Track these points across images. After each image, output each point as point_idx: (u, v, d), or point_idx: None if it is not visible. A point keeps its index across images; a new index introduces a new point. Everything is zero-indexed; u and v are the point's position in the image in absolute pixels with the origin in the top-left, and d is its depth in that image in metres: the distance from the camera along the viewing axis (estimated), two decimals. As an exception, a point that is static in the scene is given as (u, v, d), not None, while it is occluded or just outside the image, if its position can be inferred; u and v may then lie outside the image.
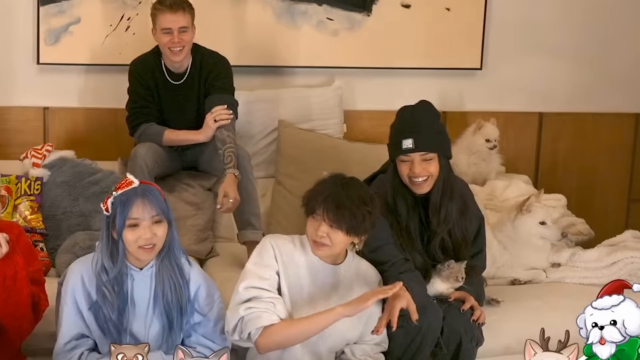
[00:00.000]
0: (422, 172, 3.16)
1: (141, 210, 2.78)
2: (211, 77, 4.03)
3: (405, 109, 3.26)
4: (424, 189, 3.20)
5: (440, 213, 3.23)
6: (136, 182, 2.81)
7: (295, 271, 2.96)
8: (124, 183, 2.81)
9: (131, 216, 2.77)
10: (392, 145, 3.23)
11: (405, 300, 2.93)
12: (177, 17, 3.88)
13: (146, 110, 3.99)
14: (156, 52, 4.03)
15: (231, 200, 3.75)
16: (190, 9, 3.94)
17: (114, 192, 2.80)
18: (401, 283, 2.89)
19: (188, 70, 4.03)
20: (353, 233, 2.91)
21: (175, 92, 4.03)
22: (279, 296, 2.91)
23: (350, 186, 2.92)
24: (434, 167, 3.18)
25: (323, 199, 2.87)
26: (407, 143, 3.14)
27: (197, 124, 4.03)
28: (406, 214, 3.23)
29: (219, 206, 3.78)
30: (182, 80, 4.03)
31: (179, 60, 3.98)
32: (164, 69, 4.02)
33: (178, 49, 3.92)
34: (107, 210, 2.80)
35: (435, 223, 3.24)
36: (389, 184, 3.24)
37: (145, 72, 4.01)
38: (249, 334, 2.84)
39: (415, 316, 2.95)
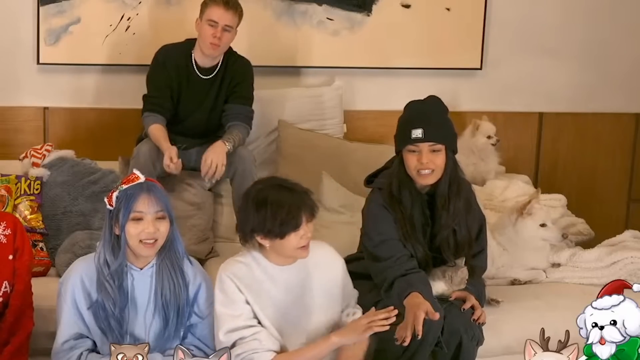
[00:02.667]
0: (429, 163, 3.18)
1: (146, 204, 2.80)
2: (234, 82, 4.05)
3: (414, 102, 3.31)
4: (430, 181, 3.23)
5: (449, 207, 3.26)
6: (142, 178, 2.83)
7: (261, 288, 2.92)
8: (130, 178, 2.84)
9: (136, 209, 2.79)
10: (400, 136, 3.26)
11: (426, 307, 2.96)
12: (228, 14, 3.92)
13: (155, 101, 3.99)
14: (187, 45, 4.04)
15: (216, 165, 3.81)
16: (241, 14, 3.99)
17: (119, 187, 2.82)
18: (395, 311, 2.84)
19: (217, 68, 4.04)
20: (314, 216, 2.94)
21: (198, 86, 4.05)
22: (259, 327, 2.88)
23: (288, 183, 2.92)
24: (440, 159, 3.21)
25: (302, 208, 2.84)
26: (417, 133, 3.17)
27: (207, 123, 4.06)
28: (410, 205, 3.26)
29: (205, 177, 3.83)
30: (209, 76, 4.04)
31: (212, 55, 4.00)
32: (193, 62, 4.03)
33: (217, 43, 3.95)
34: (111, 204, 2.82)
35: (444, 217, 3.26)
36: (394, 175, 3.27)
37: (170, 60, 4.02)
38: None
39: (435, 316, 2.97)
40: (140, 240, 2.81)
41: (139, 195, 2.80)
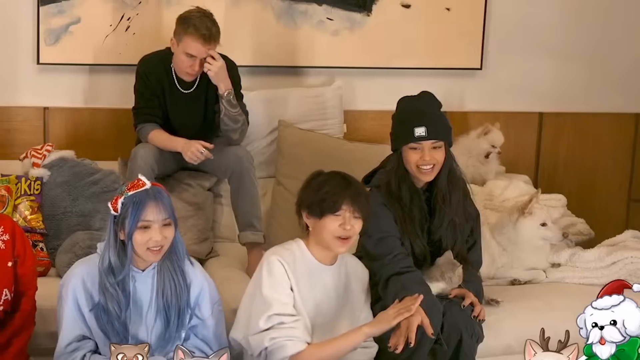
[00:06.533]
0: (431, 159, 3.24)
1: (155, 212, 2.78)
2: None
3: (409, 99, 3.35)
4: (430, 177, 3.28)
5: (450, 200, 3.31)
6: (148, 184, 2.80)
7: (303, 279, 2.97)
8: (135, 184, 2.80)
9: (144, 218, 2.77)
10: (400, 134, 3.29)
11: (420, 316, 2.97)
12: (207, 48, 3.85)
13: (147, 110, 3.99)
14: (167, 55, 3.99)
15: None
16: (219, 39, 3.89)
17: (125, 193, 2.78)
18: (422, 296, 2.91)
19: (198, 78, 4.00)
20: (368, 217, 3.00)
21: (182, 99, 4.01)
22: (299, 317, 2.92)
23: (350, 177, 3.00)
24: (441, 155, 3.27)
25: (344, 193, 2.92)
26: (420, 131, 3.22)
27: (203, 130, 4.04)
28: (409, 201, 3.30)
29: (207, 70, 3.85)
30: (191, 89, 4.00)
31: (190, 80, 3.98)
32: (173, 75, 3.99)
33: (193, 73, 3.93)
34: (115, 210, 2.79)
35: (445, 210, 3.30)
36: (393, 172, 3.30)
37: (153, 75, 3.98)
38: None
39: (429, 330, 2.98)
40: (147, 248, 2.80)
41: (146, 204, 2.76)
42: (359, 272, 3.14)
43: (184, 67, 3.92)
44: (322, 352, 2.89)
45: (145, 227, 2.78)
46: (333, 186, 2.94)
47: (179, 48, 3.89)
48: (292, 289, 2.93)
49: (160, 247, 2.81)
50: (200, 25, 3.82)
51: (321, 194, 2.93)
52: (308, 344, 2.89)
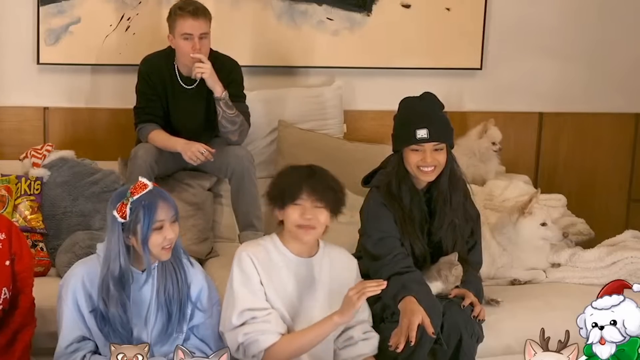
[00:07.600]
0: (432, 161, 3.24)
1: (165, 211, 2.79)
2: (224, 84, 3.99)
3: (412, 100, 3.34)
4: (431, 177, 3.28)
5: (451, 201, 3.30)
6: (150, 185, 2.80)
7: (277, 273, 2.97)
8: (138, 187, 2.79)
9: (158, 218, 2.77)
10: (402, 136, 3.28)
11: (421, 315, 2.97)
12: (199, 22, 3.88)
13: (148, 110, 4.00)
14: (168, 54, 4.01)
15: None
16: (209, 16, 3.94)
17: (130, 198, 2.77)
18: (385, 283, 2.89)
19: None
20: (336, 210, 2.97)
21: (185, 96, 4.02)
22: (272, 310, 2.92)
23: (317, 168, 2.99)
24: (443, 157, 3.27)
25: (303, 183, 2.91)
26: (422, 133, 3.21)
27: (205, 129, 4.04)
28: (410, 202, 3.29)
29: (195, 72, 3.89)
30: (194, 85, 4.01)
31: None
32: (176, 72, 4.01)
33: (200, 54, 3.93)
34: (124, 217, 2.76)
35: (446, 211, 3.30)
36: (393, 173, 3.30)
37: (155, 73, 4.00)
38: (253, 356, 2.87)
39: (430, 329, 2.99)
40: (162, 247, 2.81)
41: (157, 204, 2.77)
42: (345, 261, 3.11)
43: (187, 51, 3.91)
44: (296, 342, 2.90)
45: (160, 228, 2.79)
46: (294, 176, 2.95)
47: (176, 37, 3.92)
48: (261, 283, 2.93)
49: (171, 244, 2.84)
50: (184, 5, 3.90)
51: (282, 184, 2.96)
52: (282, 335, 2.90)
